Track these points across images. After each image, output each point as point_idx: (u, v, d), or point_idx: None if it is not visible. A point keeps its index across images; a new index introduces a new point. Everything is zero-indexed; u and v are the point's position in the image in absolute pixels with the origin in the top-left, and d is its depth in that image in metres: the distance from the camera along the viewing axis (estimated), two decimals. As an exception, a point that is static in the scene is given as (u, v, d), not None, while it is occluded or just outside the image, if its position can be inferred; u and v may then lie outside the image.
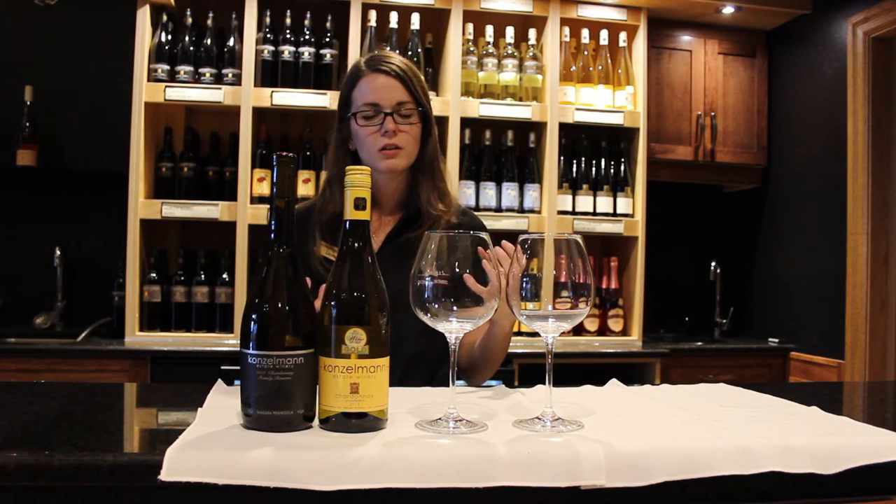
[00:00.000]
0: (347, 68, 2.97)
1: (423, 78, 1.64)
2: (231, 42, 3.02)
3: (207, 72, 2.99)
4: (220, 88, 2.97)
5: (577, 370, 3.02)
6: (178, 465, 0.84)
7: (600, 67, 3.29)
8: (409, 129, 1.56)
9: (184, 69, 2.97)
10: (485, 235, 1.04)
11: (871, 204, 2.98)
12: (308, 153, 3.09)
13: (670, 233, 3.69)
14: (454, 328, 1.03)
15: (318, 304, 1.04)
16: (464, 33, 3.16)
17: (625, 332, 3.32)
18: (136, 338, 2.89)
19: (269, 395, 0.96)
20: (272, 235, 1.01)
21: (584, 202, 3.25)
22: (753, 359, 3.40)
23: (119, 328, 2.95)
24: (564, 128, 3.21)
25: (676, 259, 3.77)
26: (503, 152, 3.22)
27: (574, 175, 3.28)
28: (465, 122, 3.13)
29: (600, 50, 3.30)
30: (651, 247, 3.30)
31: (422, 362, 1.55)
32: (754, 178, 3.70)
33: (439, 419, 1.02)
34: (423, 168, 1.61)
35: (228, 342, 2.86)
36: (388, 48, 3.00)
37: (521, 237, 1.05)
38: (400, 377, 1.46)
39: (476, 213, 1.79)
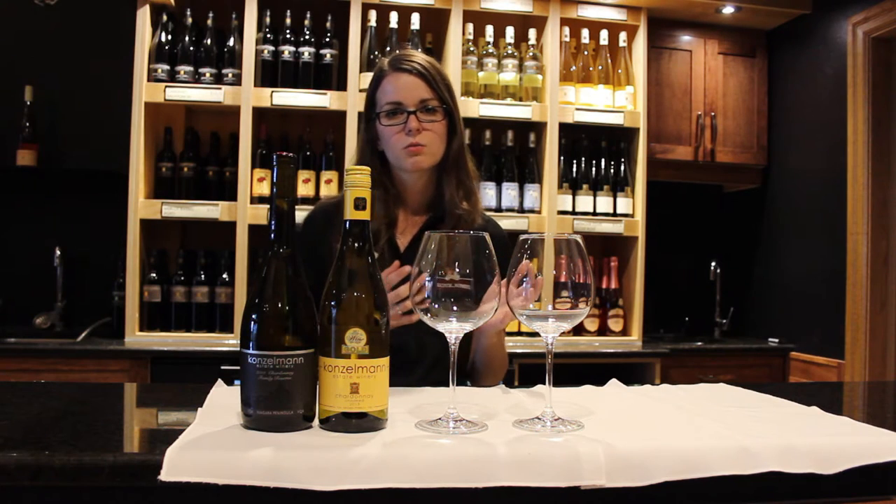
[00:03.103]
0: (348, 68, 3.04)
1: (447, 75, 1.63)
2: (231, 42, 3.02)
3: (207, 72, 2.99)
4: (220, 88, 2.97)
5: (577, 370, 3.02)
6: (178, 465, 0.84)
7: (600, 67, 3.28)
8: (434, 127, 1.56)
9: (184, 69, 2.97)
10: (486, 236, 1.03)
11: (871, 204, 2.98)
12: (308, 153, 3.09)
13: (670, 233, 3.69)
14: (454, 328, 1.03)
15: None
16: (464, 33, 3.16)
17: (625, 332, 3.31)
18: (136, 338, 2.89)
19: (269, 395, 0.96)
20: (272, 235, 1.01)
21: (584, 202, 3.24)
22: (753, 359, 3.40)
23: (119, 328, 2.95)
24: (564, 128, 3.21)
25: (676, 259, 3.77)
26: (503, 152, 3.21)
27: (574, 175, 3.28)
28: (465, 123, 3.07)
29: (600, 50, 3.30)
30: (651, 247, 3.30)
31: (443, 365, 1.54)
32: (754, 177, 3.69)
33: (439, 419, 1.02)
34: (448, 166, 1.61)
35: (228, 342, 2.86)
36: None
37: (522, 237, 1.05)
38: (422, 377, 1.49)
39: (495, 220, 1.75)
